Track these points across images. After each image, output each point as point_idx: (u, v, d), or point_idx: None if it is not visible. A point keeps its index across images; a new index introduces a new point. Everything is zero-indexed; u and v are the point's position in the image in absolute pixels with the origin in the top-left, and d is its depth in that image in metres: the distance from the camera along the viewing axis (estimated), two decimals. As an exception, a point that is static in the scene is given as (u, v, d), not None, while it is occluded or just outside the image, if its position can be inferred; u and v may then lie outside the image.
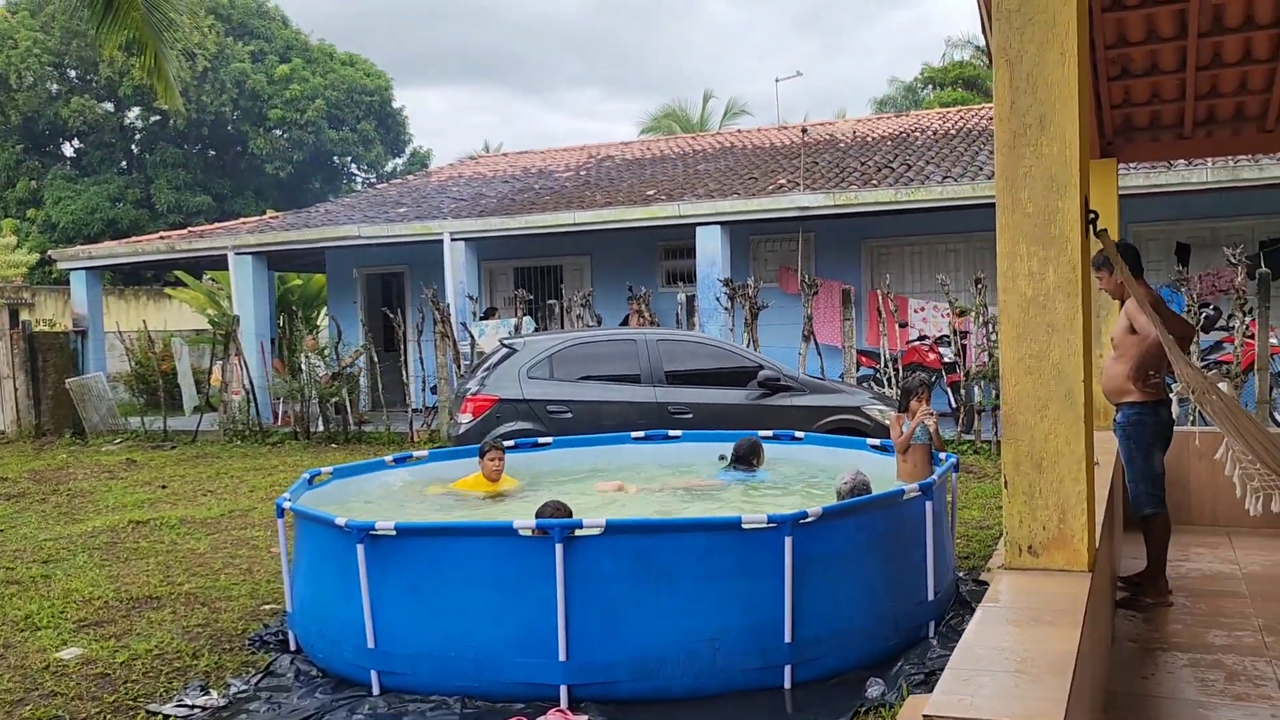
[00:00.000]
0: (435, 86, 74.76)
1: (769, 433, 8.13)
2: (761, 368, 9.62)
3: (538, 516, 5.36)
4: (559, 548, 4.72)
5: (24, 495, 11.50)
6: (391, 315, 15.13)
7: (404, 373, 14.86)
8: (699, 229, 13.99)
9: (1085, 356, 3.68)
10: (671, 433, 8.39)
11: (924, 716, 2.49)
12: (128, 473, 13.07)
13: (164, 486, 11.76)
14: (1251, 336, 10.81)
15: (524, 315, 14.19)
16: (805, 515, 4.90)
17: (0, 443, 16.99)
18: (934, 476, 5.67)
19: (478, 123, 77.36)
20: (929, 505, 5.48)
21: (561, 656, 4.75)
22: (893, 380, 12.49)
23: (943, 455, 6.46)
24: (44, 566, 7.92)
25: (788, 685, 4.92)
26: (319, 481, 6.88)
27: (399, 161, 42.18)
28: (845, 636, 5.06)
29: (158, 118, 36.40)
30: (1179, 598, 5.73)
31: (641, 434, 8.36)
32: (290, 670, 5.48)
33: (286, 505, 5.78)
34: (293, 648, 5.78)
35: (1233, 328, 11.12)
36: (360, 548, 5.03)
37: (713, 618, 4.84)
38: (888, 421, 9.35)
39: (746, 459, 7.42)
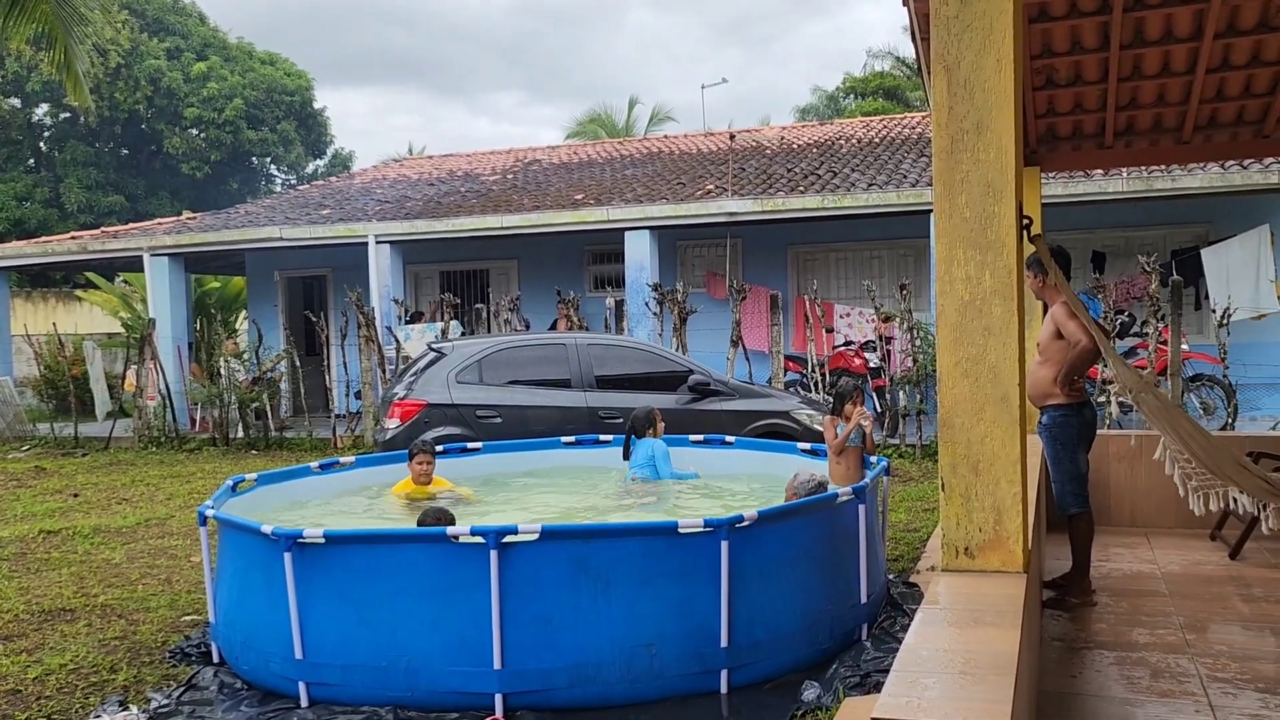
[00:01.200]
0: (358, 88, 73.79)
1: (700, 437, 8.14)
2: (692, 372, 9.63)
3: (419, 524, 5.29)
4: (494, 554, 4.65)
5: (-76, 505, 11.00)
6: (314, 319, 14.83)
7: (326, 377, 14.57)
8: (627, 234, 13.99)
9: (1020, 360, 3.74)
10: (602, 437, 8.34)
11: (872, 719, 2.49)
12: (37, 480, 12.59)
13: (76, 495, 11.35)
14: (1164, 342, 11.15)
15: (451, 319, 14.02)
16: (741, 519, 4.90)
17: (-103, 450, 16.25)
18: (867, 479, 5.72)
19: (401, 124, 76.55)
20: (862, 509, 5.53)
21: (497, 665, 4.68)
22: (820, 385, 12.61)
23: (874, 459, 6.52)
24: (-53, 579, 7.57)
25: (724, 690, 4.91)
26: (243, 489, 6.70)
27: (320, 163, 41.46)
28: (781, 640, 5.07)
29: (68, 115, 35.27)
30: (1102, 597, 5.86)
31: (572, 439, 8.31)
32: (214, 683, 5.31)
33: (209, 513, 5.61)
34: (216, 660, 5.60)
35: (1147, 334, 11.46)
36: (288, 556, 4.90)
37: (650, 623, 4.81)
38: (817, 425, 9.45)
39: (640, 429, 7.47)
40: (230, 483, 6.55)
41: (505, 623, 4.70)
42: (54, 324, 17.87)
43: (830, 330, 14.03)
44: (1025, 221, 4.11)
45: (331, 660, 4.90)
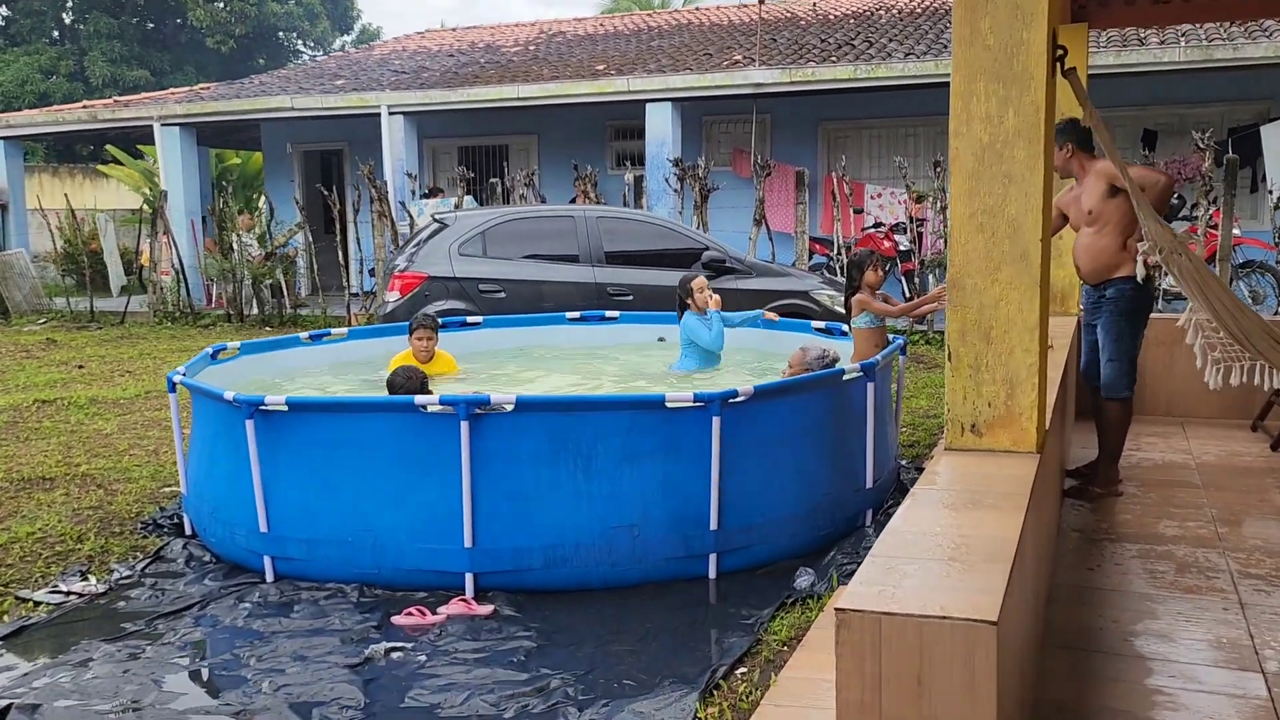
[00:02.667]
0: (389, -38, 71.66)
1: (576, 315, 7.87)
2: (706, 249, 9.15)
3: (389, 386, 4.96)
4: (464, 425, 4.30)
5: (-69, 374, 10.87)
6: (327, 194, 14.39)
7: (339, 254, 14.21)
8: (649, 106, 13.32)
9: (1044, 213, 3.26)
10: (609, 314, 7.95)
11: (836, 610, 2.12)
12: (45, 352, 12.44)
13: (81, 367, 11.17)
14: (1215, 226, 10.48)
15: (465, 194, 13.54)
16: (735, 394, 4.51)
17: (-82, 322, 16.20)
18: (877, 358, 5.28)
19: (437, 4, 74.53)
20: (871, 387, 5.11)
21: (467, 542, 4.38)
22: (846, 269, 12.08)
23: (890, 337, 6.08)
24: (-65, 446, 7.40)
25: (713, 575, 4.59)
26: (224, 357, 6.39)
27: (348, 39, 40.45)
28: (775, 525, 4.73)
29: (90, -15, 34.45)
30: (1129, 487, 5.46)
31: (577, 315, 7.92)
32: (182, 555, 5.07)
33: (177, 379, 5.29)
34: (188, 532, 5.37)
35: (1196, 217, 10.79)
36: (250, 424, 4.58)
37: (633, 503, 4.47)
38: (838, 307, 8.97)
39: (681, 304, 6.83)
40: (209, 350, 6.24)
41: (477, 499, 4.38)
42: (66, 196, 17.58)
43: (859, 211, 13.42)
44: (1059, 52, 3.57)
45: (296, 534, 4.62)
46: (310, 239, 14.85)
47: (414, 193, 14.44)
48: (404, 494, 4.46)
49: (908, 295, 12.49)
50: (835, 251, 12.36)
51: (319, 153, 18.17)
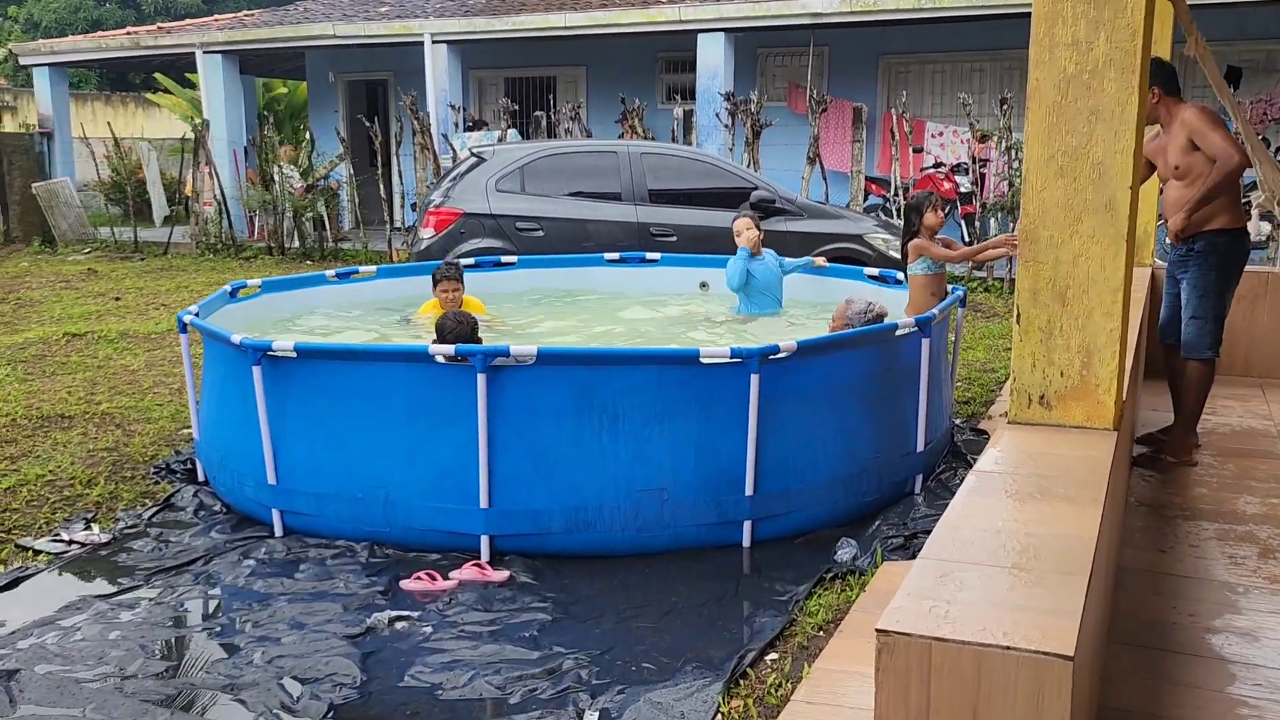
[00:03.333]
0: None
1: (615, 256, 7.53)
2: (755, 188, 8.69)
3: (438, 331, 4.62)
4: (481, 378, 3.98)
5: (-30, 303, 10.81)
6: (368, 124, 14.04)
7: (380, 188, 13.90)
8: (701, 37, 12.73)
9: (1135, 155, 2.82)
10: (649, 255, 7.56)
11: (877, 631, 1.77)
12: (85, 283, 12.34)
13: (117, 299, 11.04)
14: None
15: (509, 128, 13.12)
16: (776, 350, 4.13)
17: (-34, 249, 16.24)
18: (933, 311, 4.86)
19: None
20: (925, 343, 4.70)
21: (483, 503, 4.08)
22: (899, 212, 11.52)
23: (948, 287, 5.64)
24: (-40, 378, 7.27)
25: (747, 544, 4.27)
26: (244, 295, 6.12)
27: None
28: (817, 491, 4.37)
29: (141, -92, 34.05)
30: (1204, 456, 5.02)
31: (616, 256, 7.53)
32: (192, 504, 4.85)
33: (187, 319, 5.03)
34: (200, 479, 5.15)
35: (1280, 161, 10.08)
36: (257, 370, 4.31)
37: (663, 465, 4.14)
38: (894, 252, 8.51)
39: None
40: (229, 288, 5.98)
41: (494, 456, 4.07)
42: (109, 123, 17.42)
43: (919, 150, 12.79)
44: (1161, -32, 3.10)
45: (305, 488, 4.36)
46: (353, 172, 14.55)
47: (457, 125, 14.04)
48: (417, 449, 4.17)
49: (967, 240, 11.91)
50: (892, 192, 11.81)
51: (364, 83, 17.79)
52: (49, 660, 3.32)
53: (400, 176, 14.07)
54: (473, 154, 8.92)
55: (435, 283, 6.08)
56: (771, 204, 8.57)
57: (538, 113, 13.37)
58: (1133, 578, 3.69)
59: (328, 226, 14.85)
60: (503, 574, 3.97)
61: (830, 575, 3.99)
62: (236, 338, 4.42)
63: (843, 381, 4.47)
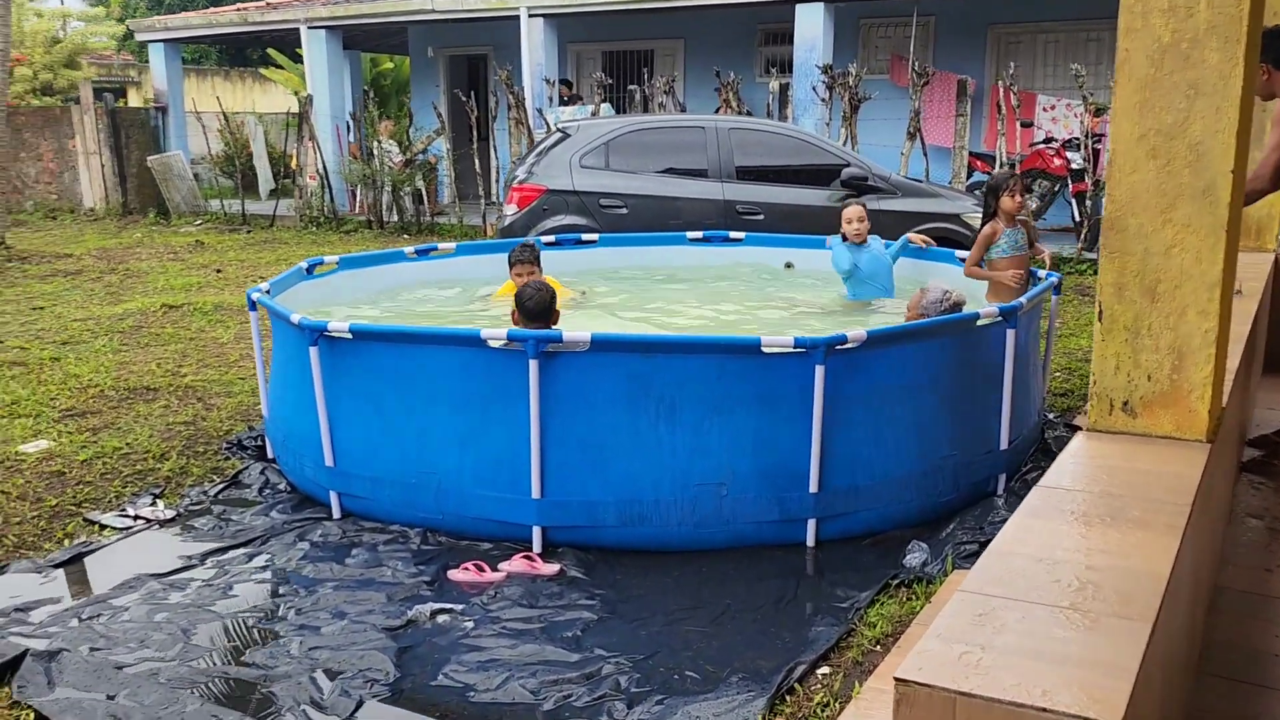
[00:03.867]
0: None
1: (698, 235, 7.28)
2: (846, 165, 8.36)
3: (517, 300, 4.48)
4: (533, 364, 3.85)
5: (81, 273, 11.18)
6: (464, 99, 14.06)
7: (475, 163, 13.91)
8: (799, 7, 12.33)
9: (1240, 135, 2.51)
10: (733, 235, 7.33)
11: (896, 680, 1.57)
12: (191, 255, 12.66)
13: (219, 271, 11.29)
14: None
15: (602, 101, 12.97)
16: (843, 340, 3.90)
17: (89, 220, 16.85)
18: (1022, 299, 4.54)
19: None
20: (1011, 334, 4.39)
21: (535, 493, 3.96)
22: (1008, 187, 10.99)
23: (1043, 273, 5.29)
24: (60, 348, 7.48)
25: (810, 543, 4.06)
26: (321, 271, 6.12)
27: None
28: (887, 489, 4.13)
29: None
30: (1323, 463, 4.60)
31: (699, 234, 7.32)
32: (258, 482, 4.86)
33: (255, 296, 5.02)
34: (270, 456, 5.16)
35: None
36: (314, 350, 4.25)
37: (722, 458, 3.95)
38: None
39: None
40: (304, 264, 5.99)
41: (546, 446, 3.94)
42: (218, 98, 17.84)
43: (1028, 125, 12.21)
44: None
45: (361, 471, 4.30)
46: (451, 146, 14.61)
47: (551, 99, 13.95)
48: (469, 435, 4.06)
49: (1077, 219, 11.33)
50: (997, 168, 11.28)
51: (465, 58, 17.84)
52: (93, 641, 3.32)
53: (495, 151, 14.06)
54: (558, 129, 8.79)
55: (511, 265, 5.91)
56: (864, 181, 8.24)
57: (631, 87, 13.17)
58: (1233, 600, 3.37)
59: (426, 201, 14.96)
60: (553, 567, 3.84)
61: (896, 582, 3.75)
62: (295, 317, 4.37)
63: (917, 374, 4.20)
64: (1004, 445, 4.49)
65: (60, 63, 20.37)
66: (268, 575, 3.88)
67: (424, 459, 4.13)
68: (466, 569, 3.82)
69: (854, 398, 4.01)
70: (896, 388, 4.13)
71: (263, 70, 26.36)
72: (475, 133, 13.96)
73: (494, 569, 3.83)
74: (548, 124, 13.10)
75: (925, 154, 11.20)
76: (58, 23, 21.28)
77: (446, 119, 14.62)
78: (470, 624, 3.44)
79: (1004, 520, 4.01)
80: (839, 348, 3.89)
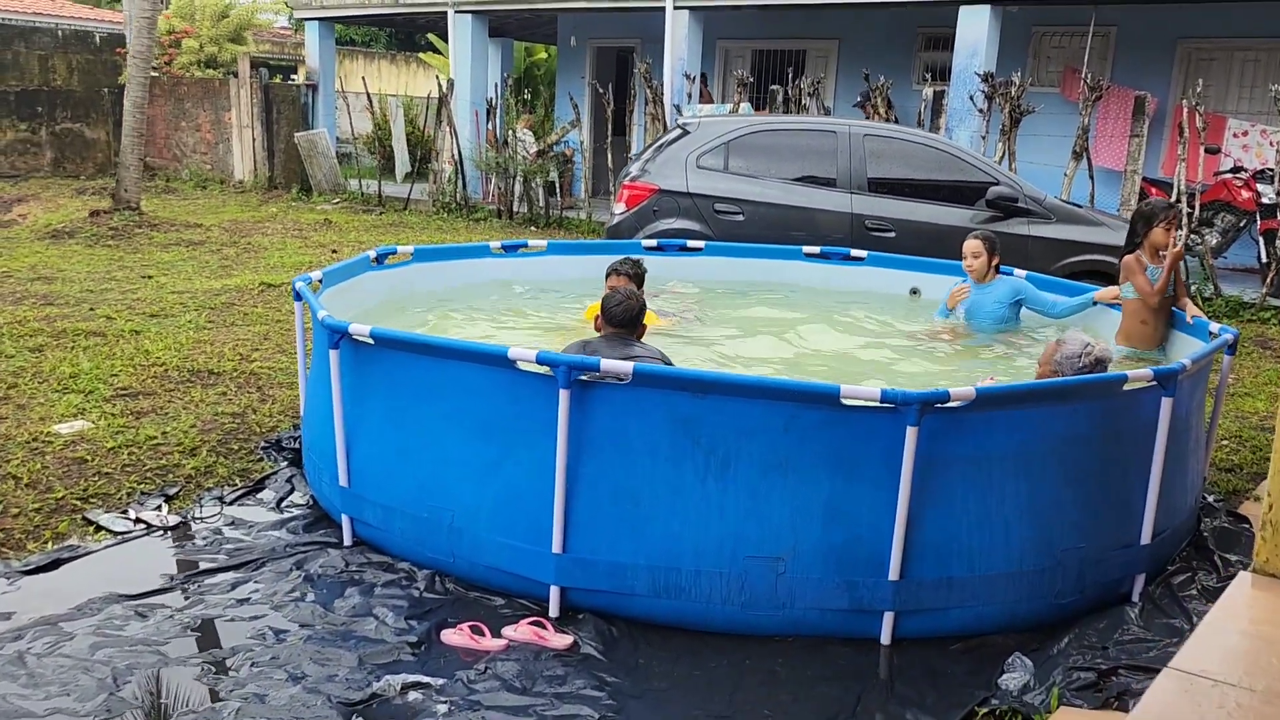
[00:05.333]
0: None
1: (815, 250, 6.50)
2: (995, 183, 7.43)
3: (603, 306, 3.92)
4: (564, 395, 3.22)
5: (203, 244, 11.17)
6: (602, 91, 13.57)
7: (609, 157, 13.40)
8: (963, 8, 11.31)
9: None
10: (854, 253, 6.54)
11: None
12: (315, 233, 12.56)
13: (335, 252, 11.08)
14: None
15: (742, 100, 12.26)
16: (944, 397, 3.13)
17: (236, 192, 17.13)
18: (1184, 361, 3.65)
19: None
20: (1168, 403, 3.52)
21: (556, 546, 3.34)
22: (1187, 219, 9.78)
23: (1213, 328, 4.36)
24: (146, 321, 7.28)
25: (885, 641, 3.31)
26: (392, 262, 5.66)
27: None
28: (988, 583, 3.34)
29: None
30: None
31: (816, 250, 6.57)
32: (281, 491, 4.41)
33: (299, 286, 4.55)
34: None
35: None
36: (334, 354, 3.74)
37: (782, 527, 3.25)
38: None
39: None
40: (373, 253, 5.52)
41: (573, 492, 3.31)
42: (363, 79, 17.89)
43: (1214, 151, 10.88)
44: None
45: (375, 497, 3.77)
46: (587, 139, 14.15)
47: (690, 95, 13.32)
48: (487, 470, 3.47)
49: (1264, 259, 10.01)
50: (1174, 198, 10.07)
51: (613, 50, 17.38)
52: (15, 679, 2.87)
53: (632, 147, 13.52)
54: (678, 125, 8.15)
55: (608, 275, 5.14)
56: (1013, 203, 7.31)
57: (774, 86, 12.41)
58: None
59: (558, 193, 14.55)
60: (565, 639, 3.21)
61: (985, 710, 2.97)
62: (321, 314, 3.87)
63: (1040, 444, 3.39)
64: (1146, 539, 3.61)
65: (225, 36, 20.86)
66: (242, 612, 3.37)
67: (440, 491, 3.56)
68: (462, 631, 3.22)
69: (954, 468, 3.25)
70: (1011, 459, 3.33)
71: (422, 55, 26.67)
72: (611, 127, 13.45)
73: (495, 634, 3.22)
74: (684, 121, 12.48)
75: (1092, 176, 10.09)
76: (227, -2, 21.80)
77: (587, 111, 14.15)
78: (444, 707, 2.84)
79: (1136, 641, 3.20)
80: (939, 405, 3.12)
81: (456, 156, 14.98)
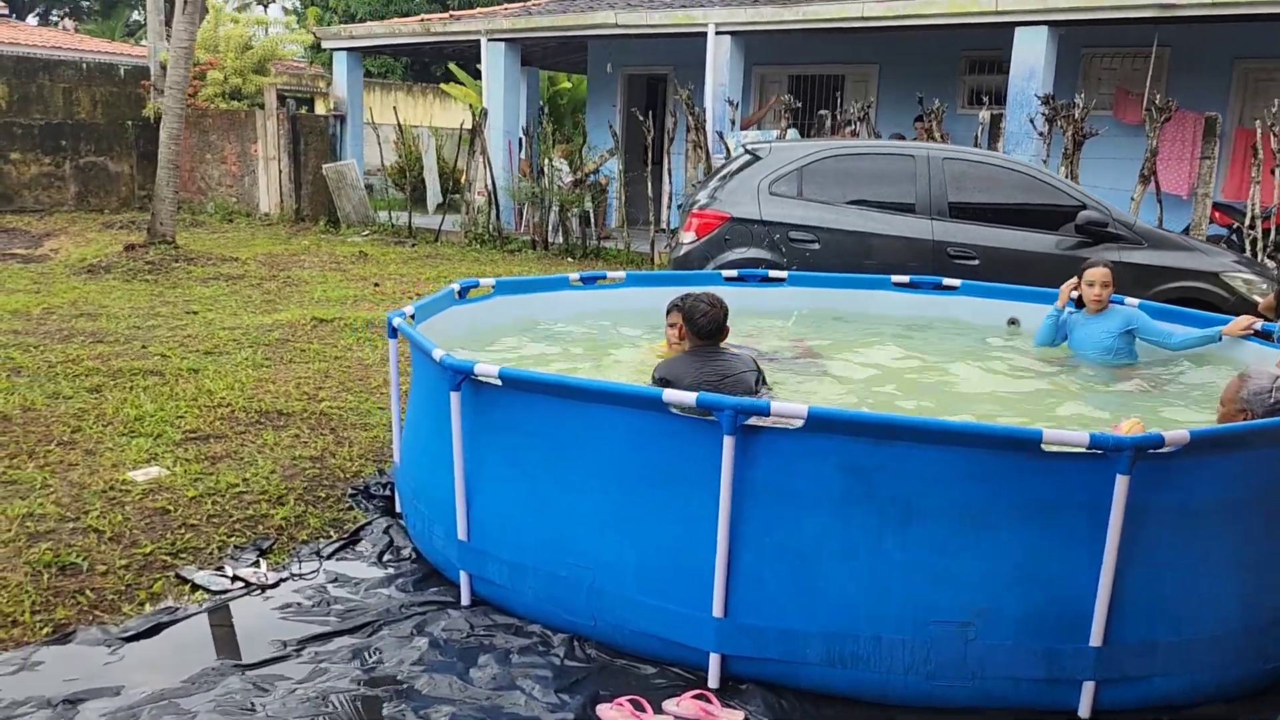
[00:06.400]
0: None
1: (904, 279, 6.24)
2: (1084, 207, 7.14)
3: (686, 316, 3.73)
4: (729, 441, 2.92)
5: (243, 278, 10.91)
6: (640, 118, 13.35)
7: (649, 186, 13.16)
8: (1018, 31, 11.09)
9: None
10: (947, 282, 6.25)
11: None
12: (353, 266, 12.31)
13: (376, 285, 10.83)
14: None
15: (789, 126, 12.03)
16: (1159, 442, 2.82)
17: (263, 224, 16.92)
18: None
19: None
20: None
21: (717, 611, 3.02)
22: (1257, 245, 9.49)
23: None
24: (201, 359, 7.00)
25: (1085, 714, 2.98)
26: (475, 296, 5.38)
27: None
28: (1199, 648, 3.02)
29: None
30: None
31: (905, 279, 6.28)
32: (380, 543, 4.10)
33: (397, 322, 4.26)
34: (398, 510, 4.40)
35: None
36: (455, 396, 3.44)
37: (972, 589, 2.93)
38: (1256, 296, 6.79)
39: None
40: (456, 286, 5.24)
41: (736, 550, 3.00)
42: (395, 109, 17.72)
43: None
44: None
45: (500, 552, 3.46)
46: (623, 168, 13.92)
47: (733, 122, 13.10)
48: (635, 525, 3.16)
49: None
50: (1245, 223, 9.78)
51: (645, 77, 17.22)
52: (137, 768, 2.55)
53: (670, 176, 13.29)
54: (746, 151, 7.89)
55: (669, 311, 4.68)
56: (1103, 227, 7.02)
57: (822, 111, 12.18)
58: None
59: (594, 223, 14.31)
60: (735, 715, 2.89)
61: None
62: (438, 353, 3.57)
63: (1246, 491, 3.08)
64: (1353, 594, 3.29)
65: (250, 68, 20.73)
66: (371, 679, 3.05)
67: (578, 548, 3.25)
68: (621, 706, 2.91)
69: (1162, 520, 2.94)
70: (1218, 509, 3.02)
71: (443, 86, 26.56)
72: (649, 155, 13.22)
73: (657, 709, 2.90)
74: (727, 148, 12.25)
75: (1159, 201, 9.81)
76: (251, 29, 21.68)
77: (619, 139, 13.95)
78: (622, 798, 2.52)
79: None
80: (1152, 450, 2.82)
81: (490, 187, 14.76)
